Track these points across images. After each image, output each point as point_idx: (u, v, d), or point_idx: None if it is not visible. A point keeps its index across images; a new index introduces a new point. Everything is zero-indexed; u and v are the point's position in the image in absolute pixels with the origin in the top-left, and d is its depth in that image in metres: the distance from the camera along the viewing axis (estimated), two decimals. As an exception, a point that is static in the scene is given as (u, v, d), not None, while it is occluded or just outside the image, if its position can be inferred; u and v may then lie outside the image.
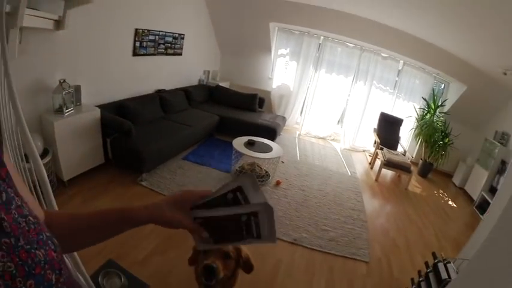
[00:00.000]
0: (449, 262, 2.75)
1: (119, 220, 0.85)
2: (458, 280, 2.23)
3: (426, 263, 2.96)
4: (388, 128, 7.99)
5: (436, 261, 2.81)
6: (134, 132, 4.51)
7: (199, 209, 0.87)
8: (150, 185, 4.54)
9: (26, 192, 0.71)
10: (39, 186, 2.06)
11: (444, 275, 2.55)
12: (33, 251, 0.56)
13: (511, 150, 6.44)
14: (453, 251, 4.32)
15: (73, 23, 3.79)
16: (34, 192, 2.05)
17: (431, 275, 2.74)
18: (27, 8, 2.91)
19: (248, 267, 2.13)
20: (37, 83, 3.79)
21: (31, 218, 0.61)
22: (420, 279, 2.89)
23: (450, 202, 6.71)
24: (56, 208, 2.04)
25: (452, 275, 2.53)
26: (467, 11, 4.31)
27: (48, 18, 3.51)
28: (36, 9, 3.25)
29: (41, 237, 0.61)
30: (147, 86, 6.16)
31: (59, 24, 3.67)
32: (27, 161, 2.22)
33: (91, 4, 3.68)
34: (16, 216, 0.57)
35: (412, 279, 3.09)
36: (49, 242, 0.63)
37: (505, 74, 5.51)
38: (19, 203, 0.60)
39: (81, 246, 0.89)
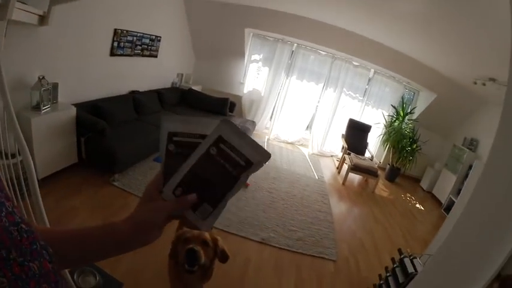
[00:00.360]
0: (415, 257, 2.89)
1: (100, 234, 0.73)
2: (424, 273, 2.38)
3: (393, 259, 3.10)
4: (356, 134, 8.21)
5: (402, 256, 2.95)
6: (108, 131, 4.50)
7: (167, 183, 0.74)
8: (123, 185, 4.53)
9: None
10: (24, 181, 2.05)
11: (411, 269, 2.68)
12: (26, 263, 0.52)
13: (479, 155, 6.75)
14: (421, 250, 4.44)
15: (56, 19, 3.77)
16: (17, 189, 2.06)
17: (398, 270, 2.87)
18: (16, 1, 2.88)
19: (224, 257, 2.22)
20: (16, 78, 3.75)
21: (23, 226, 0.55)
22: (387, 275, 3.02)
23: (418, 205, 6.99)
24: (41, 204, 2.00)
25: (419, 269, 2.66)
26: (438, 23, 4.45)
27: (34, 13, 3.47)
28: (24, 3, 3.22)
29: (35, 247, 0.56)
30: (122, 87, 6.15)
31: (43, 19, 3.63)
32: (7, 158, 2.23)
33: (74, 2, 3.67)
34: (7, 224, 0.51)
35: (380, 275, 3.21)
36: (44, 252, 0.58)
37: (475, 83, 5.74)
38: (10, 209, 0.54)
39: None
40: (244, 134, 0.71)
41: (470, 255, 1.86)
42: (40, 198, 2.00)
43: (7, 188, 0.53)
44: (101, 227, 0.73)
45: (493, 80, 5.30)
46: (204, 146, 0.71)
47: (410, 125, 8.31)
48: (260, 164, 0.71)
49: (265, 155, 0.71)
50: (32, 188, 1.99)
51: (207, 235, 2.13)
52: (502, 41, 3.04)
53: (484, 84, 5.55)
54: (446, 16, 4.11)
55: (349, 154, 7.45)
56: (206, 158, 0.71)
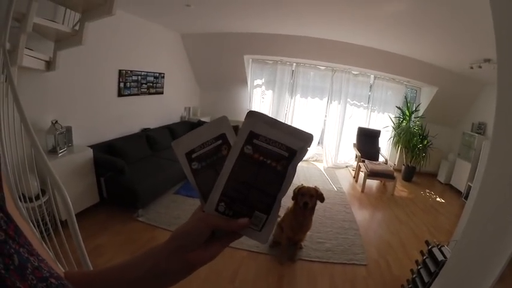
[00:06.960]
0: (443, 246, 2.92)
1: (140, 261, 0.64)
2: (453, 258, 2.42)
3: (421, 252, 3.13)
4: (367, 141, 8.27)
5: (430, 247, 2.98)
6: (127, 169, 4.62)
7: (207, 202, 0.63)
8: (147, 220, 4.61)
9: (40, 249, 0.55)
10: (59, 221, 2.05)
11: (440, 257, 2.71)
12: None
13: (489, 137, 6.67)
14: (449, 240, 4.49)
15: (62, 64, 3.89)
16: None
17: (428, 261, 2.90)
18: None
19: (322, 198, 3.84)
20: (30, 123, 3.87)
21: (53, 281, 0.48)
22: (419, 267, 3.04)
23: (438, 199, 7.01)
24: (80, 239, 1.99)
25: (448, 255, 2.69)
26: (421, 19, 4.51)
27: (41, 59, 3.61)
28: (31, 49, 3.35)
29: None
30: (133, 125, 6.30)
31: (49, 65, 3.75)
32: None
33: (78, 46, 3.76)
34: (34, 282, 0.45)
35: (412, 270, 3.23)
36: None
37: (472, 68, 5.80)
38: (36, 264, 0.48)
39: None
40: (277, 121, 0.62)
41: (492, 232, 1.92)
42: (80, 238, 1.98)
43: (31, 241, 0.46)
44: (141, 253, 0.64)
45: (488, 60, 5.37)
46: (236, 148, 0.62)
47: (417, 122, 8.42)
48: (304, 150, 0.62)
49: (307, 138, 0.62)
50: (71, 227, 1.99)
51: (312, 190, 3.80)
52: (484, 22, 3.09)
53: (480, 67, 5.61)
54: (427, 11, 4.17)
55: (363, 161, 7.49)
56: (243, 160, 0.61)
